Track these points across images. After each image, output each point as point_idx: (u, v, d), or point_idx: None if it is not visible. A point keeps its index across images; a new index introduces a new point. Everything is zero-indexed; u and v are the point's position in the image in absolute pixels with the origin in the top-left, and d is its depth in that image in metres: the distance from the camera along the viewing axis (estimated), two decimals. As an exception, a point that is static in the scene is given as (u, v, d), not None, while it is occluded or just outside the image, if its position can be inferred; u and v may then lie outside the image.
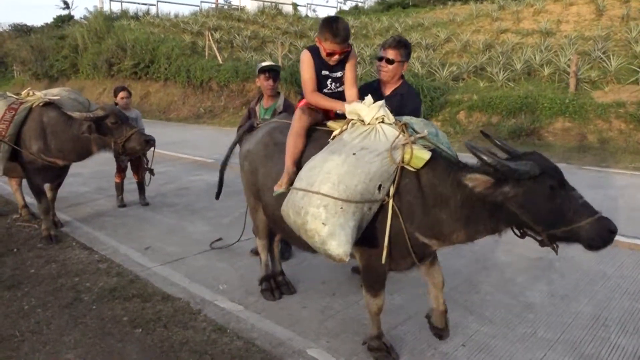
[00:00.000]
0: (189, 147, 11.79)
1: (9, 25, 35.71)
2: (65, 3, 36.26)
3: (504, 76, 13.39)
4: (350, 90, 3.34)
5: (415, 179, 2.79)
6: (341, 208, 2.65)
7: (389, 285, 3.13)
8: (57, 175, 5.51)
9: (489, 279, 4.31)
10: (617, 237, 2.54)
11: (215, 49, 20.18)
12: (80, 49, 25.33)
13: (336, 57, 3.17)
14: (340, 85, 3.38)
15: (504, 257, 4.73)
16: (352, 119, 2.99)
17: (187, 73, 20.06)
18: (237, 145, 4.16)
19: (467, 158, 2.87)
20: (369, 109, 2.91)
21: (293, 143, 3.17)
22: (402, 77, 3.85)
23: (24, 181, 5.67)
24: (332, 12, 34.45)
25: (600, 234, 2.44)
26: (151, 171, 5.80)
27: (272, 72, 4.62)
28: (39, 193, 5.30)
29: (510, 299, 3.93)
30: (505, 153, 2.79)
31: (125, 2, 30.20)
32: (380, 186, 2.72)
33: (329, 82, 3.35)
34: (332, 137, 3.06)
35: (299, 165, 3.07)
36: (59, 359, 3.18)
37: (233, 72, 18.45)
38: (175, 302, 3.89)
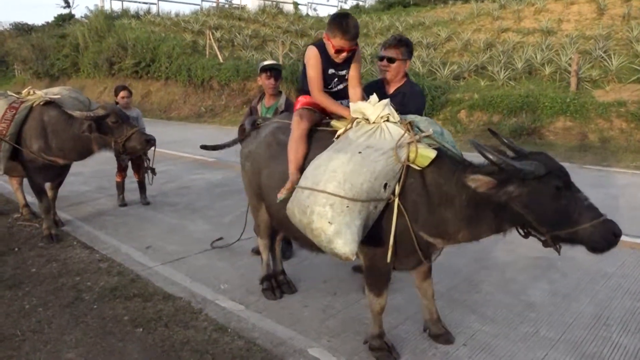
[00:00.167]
0: (190, 146, 11.77)
1: (10, 24, 35.75)
2: (66, 2, 36.29)
3: (505, 75, 13.37)
4: (354, 90, 3.33)
5: (421, 178, 2.78)
6: (347, 207, 2.64)
7: (389, 285, 3.12)
8: (58, 174, 5.52)
9: (490, 278, 4.30)
10: (618, 237, 2.53)
11: (216, 47, 20.18)
12: (81, 47, 25.33)
13: (344, 54, 3.15)
14: (341, 83, 3.37)
15: (505, 257, 4.72)
16: (357, 118, 2.97)
17: (188, 72, 20.06)
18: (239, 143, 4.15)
19: (471, 157, 2.86)
20: (374, 108, 2.90)
21: (294, 150, 3.15)
22: (405, 75, 3.83)
23: (25, 180, 5.67)
24: (332, 11, 34.42)
25: (605, 237, 2.42)
26: (152, 170, 5.80)
27: (274, 71, 4.62)
28: (39, 192, 5.30)
29: (511, 298, 3.93)
30: (512, 151, 2.77)
31: (126, 1, 30.24)
32: (385, 185, 2.72)
33: (335, 80, 3.32)
34: (336, 136, 3.04)
35: (302, 171, 3.04)
36: (60, 358, 3.18)
37: (234, 71, 18.44)
38: (176, 302, 3.89)
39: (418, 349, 3.23)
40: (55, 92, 5.30)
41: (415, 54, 16.01)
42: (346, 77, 3.35)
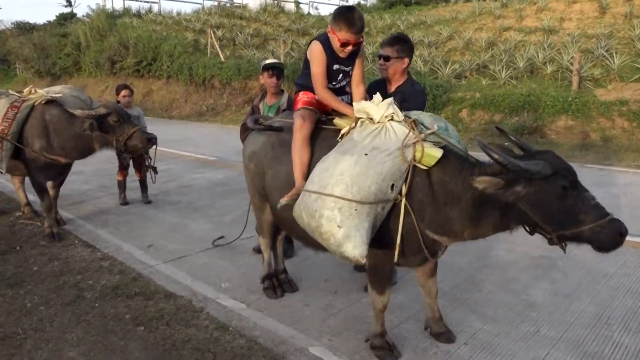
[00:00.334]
0: (191, 144, 11.80)
1: (11, 23, 35.70)
2: (68, 1, 36.22)
3: (507, 74, 13.36)
4: (358, 88, 3.31)
5: (427, 177, 2.77)
6: (355, 210, 2.63)
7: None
8: (60, 172, 5.52)
9: (491, 277, 4.30)
10: (620, 236, 2.52)
11: (217, 46, 20.18)
12: (82, 46, 25.33)
13: (349, 48, 3.10)
14: (345, 79, 3.35)
15: (506, 256, 4.72)
16: (361, 118, 2.95)
17: (190, 71, 20.06)
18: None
19: (475, 156, 2.86)
20: (378, 107, 2.87)
21: (299, 156, 3.11)
22: (407, 73, 3.77)
23: (27, 179, 5.68)
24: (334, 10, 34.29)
25: (611, 236, 2.43)
26: (154, 169, 5.80)
27: (276, 70, 4.61)
28: (41, 191, 5.31)
29: (512, 297, 3.93)
30: (519, 149, 2.76)
31: (128, -1, 30.22)
32: (393, 185, 2.71)
33: (340, 76, 3.30)
34: (340, 135, 3.03)
35: (308, 175, 3.01)
36: (62, 356, 3.19)
37: (235, 69, 18.44)
38: (178, 300, 3.90)
39: (419, 348, 3.23)
40: (56, 90, 5.31)
41: (416, 52, 16.06)
42: (351, 73, 3.32)
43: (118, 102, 6.40)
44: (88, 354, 3.20)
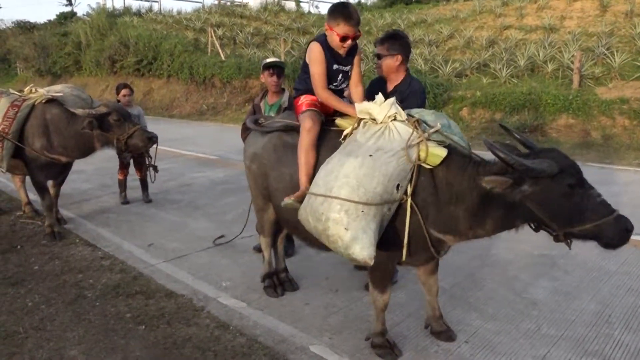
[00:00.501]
0: (192, 143, 11.80)
1: (12, 22, 35.65)
2: (68, 0, 36.24)
3: (507, 72, 13.34)
4: (356, 88, 3.31)
5: (431, 176, 2.77)
6: (362, 211, 2.63)
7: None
8: (60, 172, 5.53)
9: (492, 275, 4.30)
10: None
11: (217, 45, 20.15)
12: (83, 45, 25.31)
13: (349, 42, 3.10)
14: (346, 80, 3.34)
15: (507, 254, 4.72)
16: (364, 118, 2.93)
17: (190, 70, 20.03)
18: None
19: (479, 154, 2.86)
20: (381, 108, 2.86)
21: (305, 159, 3.09)
22: (405, 71, 3.70)
23: (28, 178, 5.68)
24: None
25: (618, 233, 2.44)
26: (155, 168, 5.80)
27: (277, 69, 4.60)
28: (42, 190, 5.31)
29: (513, 295, 3.93)
30: (524, 147, 2.76)
31: (128, -2, 30.20)
32: (398, 186, 2.71)
33: (340, 77, 3.28)
34: (342, 136, 3.02)
35: (313, 177, 2.99)
36: (63, 355, 3.19)
37: (236, 68, 18.42)
38: (179, 299, 3.90)
39: (420, 346, 3.23)
40: (57, 90, 5.32)
41: (417, 51, 16.05)
42: (350, 74, 3.32)
43: (118, 101, 6.40)
44: (89, 353, 3.20)
